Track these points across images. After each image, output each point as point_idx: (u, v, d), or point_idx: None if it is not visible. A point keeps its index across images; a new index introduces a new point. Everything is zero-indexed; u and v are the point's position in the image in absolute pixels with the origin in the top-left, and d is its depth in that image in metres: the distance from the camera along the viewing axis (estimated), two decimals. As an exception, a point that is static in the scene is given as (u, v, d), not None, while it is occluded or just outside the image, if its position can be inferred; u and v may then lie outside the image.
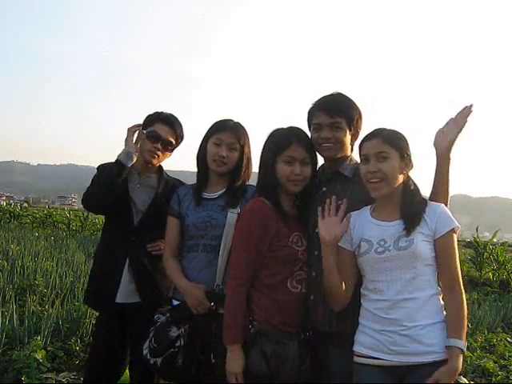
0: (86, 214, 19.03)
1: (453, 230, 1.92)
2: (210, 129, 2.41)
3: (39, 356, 3.47)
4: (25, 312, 4.45)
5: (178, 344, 2.19)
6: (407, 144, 2.01)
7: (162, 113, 2.64)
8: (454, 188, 2.13)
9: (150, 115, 2.64)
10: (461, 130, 2.03)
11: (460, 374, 3.77)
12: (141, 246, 2.53)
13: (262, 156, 2.19)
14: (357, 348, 1.98)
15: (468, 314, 1.98)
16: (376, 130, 2.03)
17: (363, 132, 2.21)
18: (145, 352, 2.25)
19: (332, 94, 2.23)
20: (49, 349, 3.86)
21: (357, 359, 1.97)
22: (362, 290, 2.03)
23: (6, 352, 3.78)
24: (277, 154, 2.12)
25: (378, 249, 1.95)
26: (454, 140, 2.02)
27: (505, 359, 4.94)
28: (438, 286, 1.95)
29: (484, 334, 5.91)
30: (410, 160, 2.00)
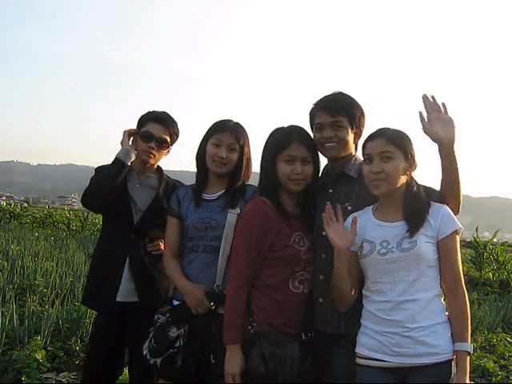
0: (86, 214, 19.04)
1: (456, 232, 1.91)
2: (209, 129, 2.40)
3: (39, 356, 3.47)
4: (25, 312, 4.46)
5: (177, 344, 2.19)
6: (411, 144, 1.98)
7: (154, 112, 2.64)
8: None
9: (142, 115, 2.64)
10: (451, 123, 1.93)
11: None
12: (141, 245, 2.53)
13: (262, 156, 2.19)
14: (359, 349, 1.97)
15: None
16: (380, 129, 2.01)
17: (365, 132, 2.18)
18: (144, 352, 2.25)
19: (333, 94, 2.22)
20: (49, 349, 3.86)
21: (359, 361, 1.96)
22: (363, 291, 2.01)
23: (5, 352, 3.78)
24: (277, 153, 2.11)
25: (380, 250, 1.93)
26: (454, 135, 1.92)
27: (505, 359, 4.94)
28: (441, 287, 1.93)
29: (484, 334, 5.90)
30: (414, 160, 1.97)
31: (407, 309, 1.87)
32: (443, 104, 1.97)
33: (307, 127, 2.24)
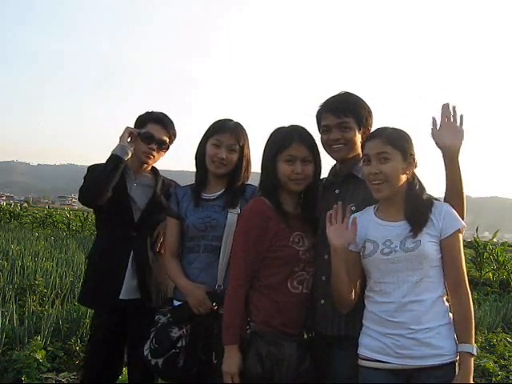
0: (86, 214, 19.04)
1: (459, 230, 1.89)
2: (208, 129, 2.38)
3: (39, 356, 3.47)
4: (25, 312, 4.46)
5: (179, 345, 2.19)
6: (411, 143, 1.95)
7: (152, 112, 2.64)
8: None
9: (140, 116, 2.64)
10: (460, 134, 1.98)
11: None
12: (143, 242, 2.54)
13: (263, 155, 2.18)
14: (361, 351, 1.94)
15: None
16: (378, 129, 1.99)
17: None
18: (146, 352, 2.24)
19: (339, 94, 2.18)
20: (49, 349, 3.86)
21: (362, 362, 1.94)
22: (366, 292, 1.99)
23: (5, 352, 3.79)
24: (278, 153, 2.10)
25: (383, 250, 1.90)
26: (460, 145, 1.97)
27: (505, 359, 4.94)
28: (444, 287, 1.91)
29: (484, 333, 5.89)
30: (414, 159, 1.95)
31: (412, 310, 1.84)
32: (461, 116, 1.99)
33: (307, 127, 2.21)
